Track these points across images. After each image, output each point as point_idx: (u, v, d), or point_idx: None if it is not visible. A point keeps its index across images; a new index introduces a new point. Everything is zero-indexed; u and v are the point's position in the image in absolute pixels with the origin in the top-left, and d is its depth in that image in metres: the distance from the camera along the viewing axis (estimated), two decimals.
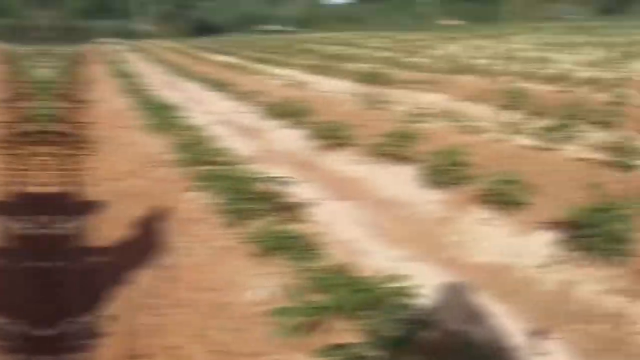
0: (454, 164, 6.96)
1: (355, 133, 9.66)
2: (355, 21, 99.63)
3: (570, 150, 8.15)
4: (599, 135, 9.97)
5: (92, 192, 8.16)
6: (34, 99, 11.86)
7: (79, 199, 7.65)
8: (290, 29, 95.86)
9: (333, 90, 18.39)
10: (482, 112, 13.59)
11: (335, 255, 5.58)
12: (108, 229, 6.70)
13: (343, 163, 9.45)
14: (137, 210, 7.36)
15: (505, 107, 12.81)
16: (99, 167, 9.95)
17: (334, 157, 9.83)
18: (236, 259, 5.33)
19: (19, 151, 8.90)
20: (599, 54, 26.09)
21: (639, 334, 4.24)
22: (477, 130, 9.87)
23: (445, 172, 7.01)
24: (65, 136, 10.31)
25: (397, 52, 33.13)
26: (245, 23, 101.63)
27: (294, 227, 5.67)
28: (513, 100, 12.62)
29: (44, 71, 11.48)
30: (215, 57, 37.17)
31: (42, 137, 9.62)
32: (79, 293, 5.09)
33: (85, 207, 7.39)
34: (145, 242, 6.50)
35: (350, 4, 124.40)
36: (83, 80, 28.37)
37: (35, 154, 8.74)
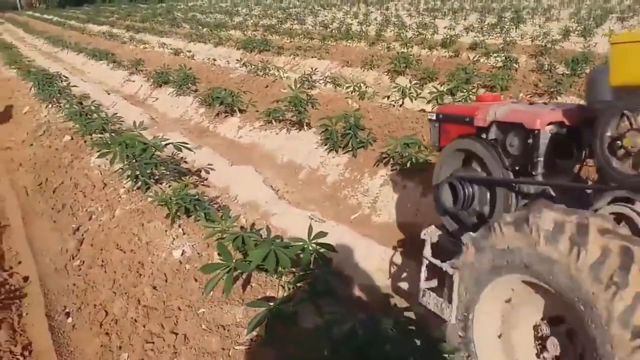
0: (353, 128, 6.94)
1: (246, 99, 9.46)
2: None
3: None
4: None
5: None
6: None
7: None
8: None
9: (218, 58, 17.99)
10: (371, 78, 13.72)
11: (245, 217, 5.59)
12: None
13: (238, 129, 9.25)
14: (36, 179, 7.24)
15: (395, 72, 12.95)
16: None
17: (228, 123, 9.57)
18: (148, 221, 5.19)
19: None
20: (482, 19, 27.03)
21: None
22: (369, 95, 9.90)
23: (345, 136, 6.98)
24: None
25: (277, 19, 32.79)
26: None
27: (198, 191, 5.56)
28: (402, 66, 12.76)
29: None
30: (93, 27, 35.32)
31: None
32: None
33: None
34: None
35: None
36: None
37: None
